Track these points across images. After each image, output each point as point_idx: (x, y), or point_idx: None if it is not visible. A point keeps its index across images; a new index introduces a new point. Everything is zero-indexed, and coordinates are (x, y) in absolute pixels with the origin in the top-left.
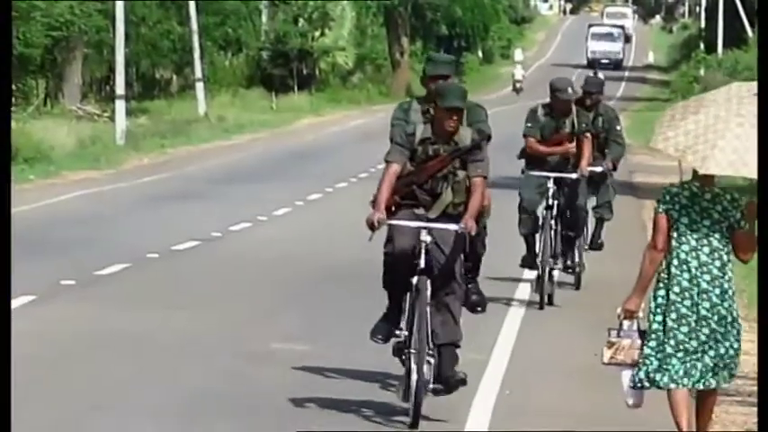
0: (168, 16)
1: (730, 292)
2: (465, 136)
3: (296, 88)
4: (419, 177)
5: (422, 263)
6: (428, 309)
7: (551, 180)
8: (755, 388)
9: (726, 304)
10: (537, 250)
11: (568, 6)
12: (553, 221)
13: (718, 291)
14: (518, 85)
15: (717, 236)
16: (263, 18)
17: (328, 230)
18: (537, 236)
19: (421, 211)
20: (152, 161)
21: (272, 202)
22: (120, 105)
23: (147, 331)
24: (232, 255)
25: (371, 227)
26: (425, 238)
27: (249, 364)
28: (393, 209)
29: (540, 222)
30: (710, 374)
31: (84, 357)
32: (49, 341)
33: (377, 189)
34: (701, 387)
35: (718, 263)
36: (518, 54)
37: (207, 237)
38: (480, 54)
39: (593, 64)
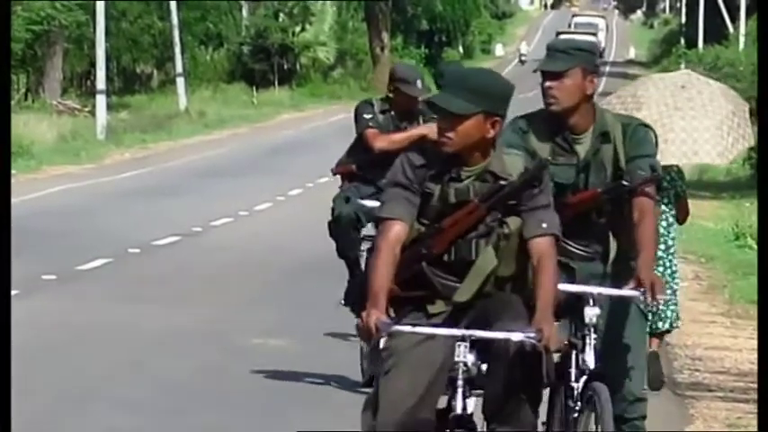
0: (149, 11)
1: (672, 249)
2: (512, 164)
3: (276, 83)
4: (435, 245)
5: (458, 406)
6: None
7: None
8: (737, 383)
9: (668, 258)
10: None
11: (549, 1)
12: None
13: (663, 246)
14: (523, 58)
15: (665, 200)
16: (244, 13)
17: (309, 226)
18: None
19: (439, 307)
20: (133, 156)
21: (253, 196)
22: (100, 100)
23: (127, 326)
24: (213, 250)
25: (368, 336)
26: (465, 357)
27: (229, 359)
28: (390, 308)
29: None
30: (656, 318)
31: (64, 351)
32: (30, 336)
33: (367, 268)
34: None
35: (664, 223)
36: (499, 49)
37: (188, 232)
38: (461, 49)
39: None
